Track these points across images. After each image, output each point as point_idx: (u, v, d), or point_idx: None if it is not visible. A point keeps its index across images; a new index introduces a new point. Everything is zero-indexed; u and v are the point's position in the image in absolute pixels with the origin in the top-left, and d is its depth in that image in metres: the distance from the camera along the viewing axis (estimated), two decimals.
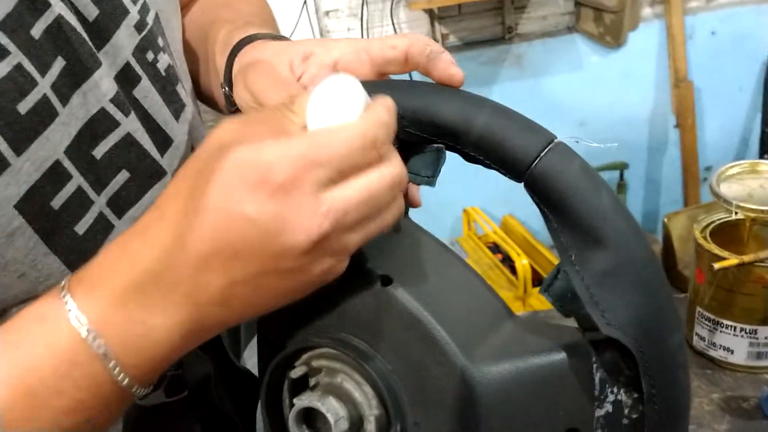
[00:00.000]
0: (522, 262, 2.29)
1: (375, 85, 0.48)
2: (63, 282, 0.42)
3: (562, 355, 0.43)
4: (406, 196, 0.51)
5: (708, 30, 2.71)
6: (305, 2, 2.51)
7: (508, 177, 0.44)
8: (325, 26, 2.63)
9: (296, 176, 0.38)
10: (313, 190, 0.38)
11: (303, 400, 0.45)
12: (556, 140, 0.43)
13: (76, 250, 0.50)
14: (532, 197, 0.44)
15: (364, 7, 2.57)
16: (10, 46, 0.45)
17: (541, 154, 0.42)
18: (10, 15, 0.45)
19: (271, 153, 0.38)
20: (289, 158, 0.38)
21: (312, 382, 0.48)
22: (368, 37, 2.62)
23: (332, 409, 0.44)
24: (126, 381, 0.41)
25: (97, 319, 0.41)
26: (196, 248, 0.39)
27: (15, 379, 0.40)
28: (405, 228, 0.50)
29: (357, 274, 0.45)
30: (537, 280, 2.38)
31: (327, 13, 2.61)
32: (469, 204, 2.75)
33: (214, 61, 0.66)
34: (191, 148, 0.62)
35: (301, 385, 0.48)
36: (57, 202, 0.48)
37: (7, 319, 0.43)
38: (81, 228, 0.50)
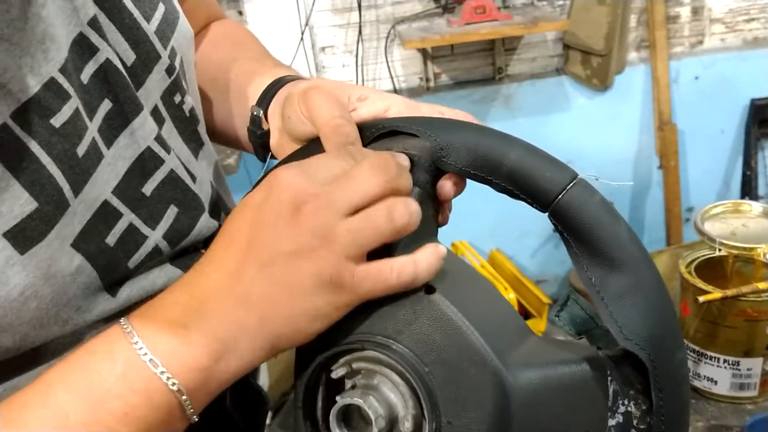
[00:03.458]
0: (509, 296, 2.32)
1: (418, 121, 0.53)
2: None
3: (583, 366, 0.47)
4: (438, 214, 0.56)
5: (692, 75, 2.79)
6: (302, 38, 2.57)
7: (534, 207, 0.49)
8: (320, 62, 2.69)
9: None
10: None
11: (346, 398, 0.48)
12: (578, 176, 0.48)
13: (130, 285, 0.54)
14: (555, 226, 0.49)
15: (359, 44, 2.63)
16: (71, 90, 0.48)
17: (567, 188, 0.47)
18: (66, 60, 0.48)
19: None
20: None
21: (349, 383, 0.51)
22: (362, 73, 2.68)
23: (373, 407, 0.48)
24: (174, 385, 0.44)
25: (145, 329, 0.46)
26: (228, 258, 0.47)
27: (78, 382, 0.44)
28: None
29: None
30: (523, 313, 2.41)
31: (323, 49, 2.68)
32: (458, 238, 2.80)
33: (240, 90, 0.69)
34: (210, 183, 0.66)
35: (338, 387, 0.51)
36: (111, 239, 0.52)
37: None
38: (133, 262, 0.54)
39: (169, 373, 0.44)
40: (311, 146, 0.55)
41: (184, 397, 0.45)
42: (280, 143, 0.62)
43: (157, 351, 0.45)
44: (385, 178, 0.48)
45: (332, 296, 0.47)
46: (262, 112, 0.63)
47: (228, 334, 0.46)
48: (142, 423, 0.44)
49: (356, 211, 0.47)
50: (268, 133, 0.63)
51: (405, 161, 0.51)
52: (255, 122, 0.64)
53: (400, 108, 0.57)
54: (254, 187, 0.51)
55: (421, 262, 0.48)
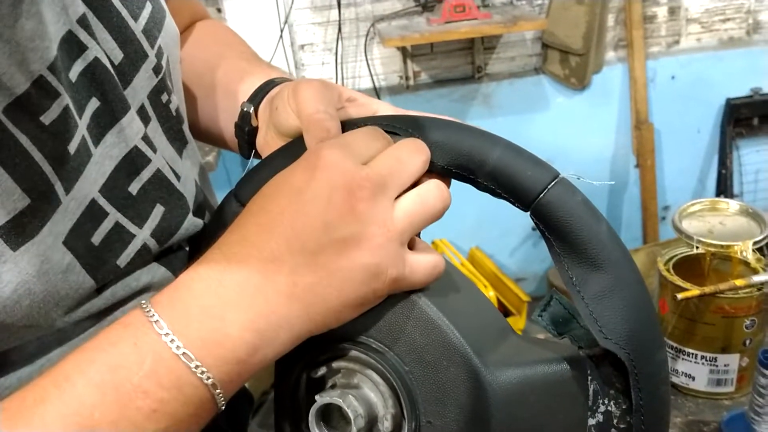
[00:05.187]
0: (489, 294, 2.33)
1: (400, 119, 0.53)
2: (143, 301, 0.44)
3: (563, 366, 0.47)
4: None
5: (668, 74, 2.82)
6: (281, 36, 2.56)
7: (516, 206, 0.49)
8: (300, 59, 2.68)
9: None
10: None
11: (325, 397, 0.48)
12: (560, 176, 0.48)
13: (116, 282, 0.52)
14: (537, 225, 0.48)
15: (339, 42, 2.63)
16: (60, 88, 0.47)
17: (548, 187, 0.47)
18: (55, 58, 0.47)
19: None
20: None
21: (329, 383, 0.51)
22: (342, 71, 2.67)
23: (352, 406, 0.48)
24: (209, 380, 0.42)
25: (175, 319, 0.43)
26: (268, 242, 0.44)
27: (103, 378, 0.41)
28: None
29: None
30: (503, 311, 2.43)
31: (302, 46, 2.67)
32: (438, 236, 2.80)
33: (229, 88, 0.69)
34: (195, 182, 0.65)
35: (318, 386, 0.51)
36: (97, 238, 0.50)
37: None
38: (122, 261, 0.52)
39: (203, 366, 0.42)
40: (296, 144, 0.55)
41: (217, 391, 0.43)
42: (265, 140, 0.62)
43: (190, 344, 0.42)
44: (425, 158, 0.49)
45: (380, 286, 0.46)
46: (252, 108, 0.63)
47: (268, 326, 0.44)
48: (172, 418, 0.42)
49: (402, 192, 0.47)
50: (255, 130, 0.63)
51: None
52: (244, 118, 0.63)
53: (387, 112, 0.57)
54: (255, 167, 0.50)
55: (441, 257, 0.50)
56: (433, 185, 0.49)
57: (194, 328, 0.43)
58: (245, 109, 0.63)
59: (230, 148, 0.70)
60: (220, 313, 0.43)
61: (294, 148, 0.55)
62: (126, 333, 0.43)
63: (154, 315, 0.43)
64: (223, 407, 0.44)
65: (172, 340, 0.42)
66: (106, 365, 0.42)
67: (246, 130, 0.63)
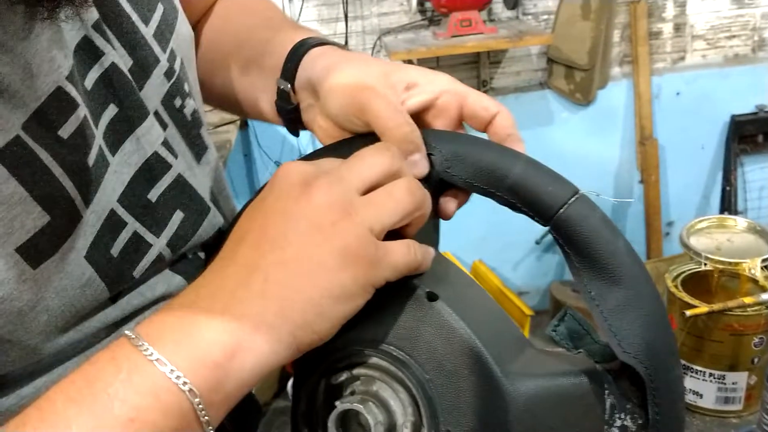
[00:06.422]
0: None
1: (424, 133, 0.53)
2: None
3: (582, 378, 0.47)
4: (439, 229, 0.56)
5: (673, 90, 2.83)
6: None
7: (536, 220, 0.50)
8: None
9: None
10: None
11: (345, 403, 0.48)
12: (580, 192, 0.48)
13: (131, 292, 0.52)
14: (556, 239, 0.49)
15: None
16: (78, 98, 0.46)
17: (568, 203, 0.48)
18: (72, 66, 0.47)
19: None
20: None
21: (348, 389, 0.51)
22: None
23: (372, 413, 0.48)
24: (186, 385, 0.40)
25: (152, 331, 0.42)
26: (241, 250, 0.45)
27: (81, 391, 0.40)
28: (440, 260, 0.54)
29: (404, 289, 0.49)
30: None
31: None
32: (442, 249, 2.79)
33: (259, 62, 0.66)
34: (210, 188, 0.65)
35: (337, 392, 0.51)
36: (115, 250, 0.50)
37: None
38: (138, 271, 0.52)
39: (179, 371, 0.40)
40: (358, 140, 0.55)
41: (197, 400, 0.40)
42: (313, 117, 0.60)
43: (164, 349, 0.41)
44: (390, 154, 0.48)
45: (358, 271, 0.44)
46: (289, 85, 0.60)
47: (243, 327, 0.42)
48: (152, 430, 0.40)
49: (369, 190, 0.46)
50: (297, 106, 0.61)
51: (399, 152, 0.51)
52: (282, 97, 0.61)
53: (447, 96, 0.56)
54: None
55: (427, 248, 0.49)
56: (402, 181, 0.47)
57: (168, 336, 0.42)
58: (281, 87, 0.61)
59: (274, 122, 0.68)
60: (194, 319, 0.42)
61: (356, 142, 0.54)
62: (106, 352, 0.42)
63: (132, 333, 0.42)
64: (209, 422, 0.42)
65: (146, 349, 0.41)
66: (84, 380, 0.41)
67: (288, 109, 0.61)
